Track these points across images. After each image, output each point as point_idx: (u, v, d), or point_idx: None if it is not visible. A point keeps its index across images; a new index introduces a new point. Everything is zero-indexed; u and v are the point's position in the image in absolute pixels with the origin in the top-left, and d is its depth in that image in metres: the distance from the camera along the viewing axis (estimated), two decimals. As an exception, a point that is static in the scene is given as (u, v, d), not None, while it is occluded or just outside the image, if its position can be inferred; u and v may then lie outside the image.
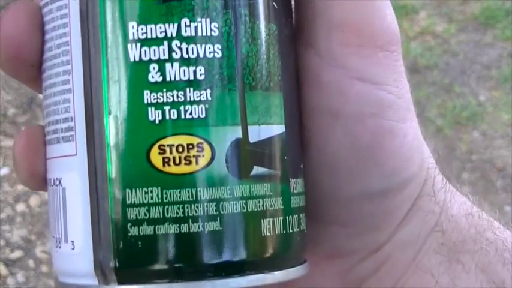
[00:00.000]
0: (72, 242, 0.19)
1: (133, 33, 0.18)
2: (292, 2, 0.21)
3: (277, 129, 0.19)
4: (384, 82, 0.20)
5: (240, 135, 0.19)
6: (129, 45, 0.18)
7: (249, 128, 0.19)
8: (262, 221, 0.19)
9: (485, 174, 1.80)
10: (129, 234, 0.18)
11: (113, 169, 0.18)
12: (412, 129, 0.21)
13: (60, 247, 0.20)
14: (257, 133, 0.19)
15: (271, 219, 0.19)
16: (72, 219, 0.19)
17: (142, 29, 0.18)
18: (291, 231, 0.20)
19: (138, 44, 0.18)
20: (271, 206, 0.19)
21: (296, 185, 0.20)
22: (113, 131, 0.18)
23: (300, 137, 0.21)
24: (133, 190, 0.18)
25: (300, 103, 0.21)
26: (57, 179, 0.20)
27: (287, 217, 0.20)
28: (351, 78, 0.20)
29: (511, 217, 1.70)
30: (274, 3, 0.20)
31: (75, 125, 0.19)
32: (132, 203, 0.18)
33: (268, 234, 0.19)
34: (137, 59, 0.18)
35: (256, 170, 0.19)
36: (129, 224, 0.18)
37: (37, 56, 0.20)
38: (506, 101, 1.98)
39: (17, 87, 1.91)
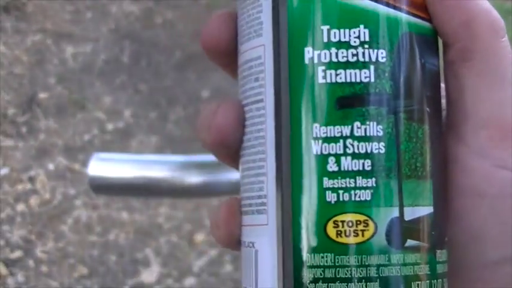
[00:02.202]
0: None
1: (317, 132, 0.23)
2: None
3: (426, 209, 0.24)
4: None
5: (397, 214, 0.23)
6: (312, 142, 0.23)
7: (405, 208, 0.23)
8: (412, 283, 0.23)
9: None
10: None
11: (296, 237, 0.23)
12: None
13: None
14: (411, 213, 0.23)
15: (420, 282, 0.23)
16: (262, 276, 0.24)
17: (323, 130, 0.23)
18: None
19: (320, 141, 0.23)
20: (420, 271, 0.23)
21: (441, 254, 0.24)
22: (298, 209, 0.23)
23: (446, 215, 0.25)
24: (313, 255, 0.23)
25: (449, 187, 0.25)
26: (250, 242, 0.25)
27: (433, 281, 0.24)
28: (496, 166, 0.25)
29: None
30: (427, 109, 0.24)
31: (268, 201, 0.24)
32: (311, 264, 0.23)
33: None
34: (319, 152, 0.23)
35: (409, 242, 0.23)
36: (308, 281, 0.23)
37: (237, 145, 0.26)
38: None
39: (17, 87, 1.91)
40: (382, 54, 0.23)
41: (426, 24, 0.25)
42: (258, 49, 0.25)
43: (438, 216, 0.24)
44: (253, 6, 0.25)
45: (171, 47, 2.07)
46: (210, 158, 0.47)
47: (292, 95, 0.24)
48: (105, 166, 0.46)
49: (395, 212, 0.23)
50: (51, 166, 1.69)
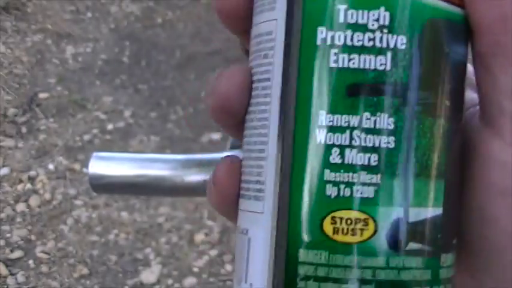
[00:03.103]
0: (251, 284, 0.23)
1: (322, 120, 0.21)
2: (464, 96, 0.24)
3: (435, 211, 0.22)
4: None
5: (401, 215, 0.21)
6: (317, 130, 0.22)
7: (410, 209, 0.22)
8: None
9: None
10: (297, 286, 0.22)
11: (291, 230, 0.22)
12: None
13: (240, 285, 0.24)
14: (417, 214, 0.22)
15: None
16: (253, 265, 0.23)
17: (330, 118, 0.21)
18: None
19: (325, 130, 0.21)
20: (421, 276, 0.22)
21: (446, 259, 0.23)
22: (295, 199, 0.22)
23: (457, 217, 0.24)
24: (306, 250, 0.21)
25: (481, 188, 0.24)
26: (245, 228, 0.24)
27: (434, 287, 0.22)
28: None
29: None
30: (447, 101, 0.22)
31: (265, 188, 0.23)
32: (303, 261, 0.21)
33: None
34: (322, 142, 0.21)
35: (411, 245, 0.22)
36: (298, 278, 0.21)
37: (241, 113, 0.24)
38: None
39: (17, 87, 1.91)
40: (402, 41, 0.21)
41: (457, 10, 0.23)
42: (270, 23, 0.23)
43: (448, 218, 0.23)
44: None
45: (171, 47, 2.07)
46: (210, 156, 0.47)
47: (301, 77, 0.22)
48: (105, 164, 0.46)
49: (399, 213, 0.21)
50: (51, 166, 1.69)
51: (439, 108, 0.22)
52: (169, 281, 1.46)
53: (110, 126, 1.80)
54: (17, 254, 1.50)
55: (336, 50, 0.21)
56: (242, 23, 0.25)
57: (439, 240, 0.22)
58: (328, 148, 0.21)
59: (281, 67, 0.22)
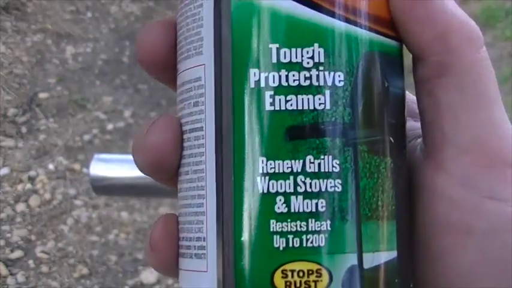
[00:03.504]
0: None
1: (263, 168, 0.20)
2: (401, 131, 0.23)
3: (390, 255, 0.21)
4: None
5: (355, 262, 0.20)
6: (258, 178, 0.20)
7: (364, 255, 0.20)
8: None
9: (485, 174, 1.80)
10: None
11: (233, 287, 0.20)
12: None
13: None
14: (371, 260, 0.20)
15: None
16: None
17: (270, 164, 0.20)
18: None
19: (267, 178, 0.20)
20: None
21: None
22: (240, 254, 0.20)
23: (411, 259, 0.23)
24: None
25: (426, 223, 0.23)
26: None
27: None
28: (482, 197, 0.22)
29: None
30: (391, 138, 0.21)
31: (207, 245, 0.21)
32: None
33: None
34: (265, 191, 0.20)
35: None
36: None
37: (174, 166, 0.23)
38: (506, 101, 1.98)
39: (17, 87, 1.91)
40: (339, 78, 0.20)
41: (391, 42, 0.22)
42: (198, 69, 0.22)
43: (403, 260, 0.22)
44: (194, 19, 0.22)
45: (171, 47, 2.07)
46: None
47: (236, 124, 0.20)
48: (106, 166, 0.47)
49: (353, 260, 0.20)
50: (51, 166, 1.69)
51: (384, 145, 0.21)
52: (169, 281, 1.46)
53: (110, 126, 1.80)
54: (17, 254, 1.50)
55: (271, 92, 0.20)
56: (167, 72, 0.24)
57: (397, 285, 0.21)
58: (272, 197, 0.20)
59: (213, 114, 0.21)
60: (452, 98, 0.22)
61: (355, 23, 0.21)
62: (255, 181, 0.20)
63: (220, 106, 0.21)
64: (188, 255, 0.22)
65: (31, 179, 1.66)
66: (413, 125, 0.25)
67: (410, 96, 0.25)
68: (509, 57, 2.13)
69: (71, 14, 2.14)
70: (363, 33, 0.21)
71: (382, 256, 0.21)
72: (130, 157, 0.50)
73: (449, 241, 0.22)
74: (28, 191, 1.63)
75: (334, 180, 0.20)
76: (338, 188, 0.20)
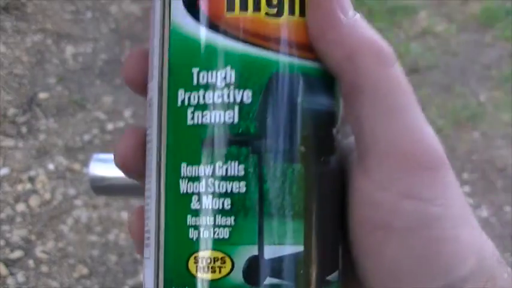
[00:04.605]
0: None
1: (184, 172, 0.24)
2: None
3: (294, 248, 0.24)
4: (430, 197, 0.24)
5: (256, 252, 0.23)
6: (180, 181, 0.24)
7: (265, 247, 0.23)
8: None
9: (485, 174, 1.80)
10: None
11: (165, 271, 0.24)
12: (466, 232, 0.25)
13: None
14: (273, 251, 0.24)
15: None
16: None
17: (189, 169, 0.24)
18: None
19: (186, 180, 0.24)
20: None
21: None
22: (167, 245, 0.24)
23: (330, 253, 0.25)
24: (173, 287, 0.24)
25: (356, 224, 0.25)
26: (143, 274, 0.26)
27: None
28: (400, 197, 0.24)
29: (511, 217, 1.69)
30: (302, 147, 0.24)
31: (150, 236, 0.25)
32: None
33: None
34: (184, 191, 0.24)
35: (270, 280, 0.23)
36: None
37: (141, 171, 0.27)
38: (506, 101, 1.98)
39: (17, 87, 1.91)
40: (247, 95, 0.24)
41: (311, 63, 0.25)
42: (151, 92, 0.26)
43: (313, 255, 0.24)
44: (152, 48, 0.26)
45: (171, 47, 2.07)
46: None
47: (168, 135, 0.25)
48: (106, 166, 0.46)
49: (253, 251, 0.23)
50: (51, 166, 1.69)
51: (291, 154, 0.24)
52: (169, 281, 1.46)
53: (110, 126, 1.80)
54: (17, 254, 1.50)
55: (191, 109, 0.24)
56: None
57: (303, 276, 0.24)
58: (189, 196, 0.24)
59: (155, 126, 0.25)
60: (367, 112, 0.24)
61: (267, 48, 0.24)
62: (178, 183, 0.24)
63: (159, 120, 0.25)
64: (145, 245, 0.26)
65: (31, 179, 1.66)
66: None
67: None
68: (509, 57, 2.13)
69: (71, 14, 2.14)
70: (273, 57, 0.24)
71: (285, 249, 0.24)
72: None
73: (375, 239, 0.25)
74: (28, 191, 1.63)
75: (239, 183, 0.24)
76: (242, 189, 0.24)
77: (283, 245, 0.24)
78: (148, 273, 0.25)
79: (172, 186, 0.24)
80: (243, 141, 0.24)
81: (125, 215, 1.58)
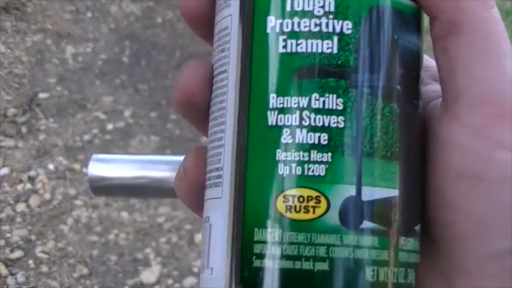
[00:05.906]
0: (212, 268, 0.23)
1: (273, 103, 0.22)
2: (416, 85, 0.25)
3: (390, 192, 0.22)
4: None
5: (354, 193, 0.22)
6: (268, 112, 0.22)
7: (363, 188, 0.22)
8: (367, 267, 0.22)
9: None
10: (253, 265, 0.22)
11: (247, 210, 0.22)
12: None
13: (203, 272, 0.24)
14: (370, 193, 0.22)
15: (375, 267, 0.22)
16: (213, 250, 0.23)
17: (280, 100, 0.22)
18: (394, 281, 0.22)
19: (276, 112, 0.22)
20: (378, 256, 0.22)
21: (406, 242, 0.23)
22: (250, 180, 0.22)
23: (418, 203, 0.24)
24: (260, 229, 0.22)
25: (440, 172, 0.24)
26: (207, 216, 0.24)
27: (392, 268, 0.22)
28: (494, 146, 0.23)
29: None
30: (398, 86, 0.23)
31: (223, 174, 0.23)
32: (258, 239, 0.22)
33: (371, 280, 0.22)
34: (274, 123, 0.22)
35: (366, 224, 0.22)
36: (254, 257, 0.22)
37: (203, 106, 0.25)
38: (506, 101, 1.97)
39: (17, 87, 1.91)
40: (347, 26, 0.22)
41: (408, 1, 0.24)
42: (226, 19, 0.24)
43: (405, 201, 0.23)
44: None
45: (171, 47, 2.07)
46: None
47: (254, 65, 0.23)
48: (105, 166, 0.46)
49: (351, 191, 0.22)
50: (51, 166, 1.69)
51: (389, 91, 0.23)
52: (169, 281, 1.46)
53: (110, 126, 1.80)
54: (17, 254, 1.50)
55: (284, 37, 0.23)
56: (207, 26, 0.26)
57: (396, 222, 0.23)
58: (279, 129, 0.22)
59: (235, 57, 0.24)
60: (464, 54, 0.23)
61: None
62: (266, 115, 0.22)
63: (242, 49, 0.23)
64: (209, 185, 0.24)
65: (31, 179, 1.66)
66: (437, 87, 0.26)
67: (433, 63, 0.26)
68: (509, 57, 2.13)
69: (70, 14, 2.14)
70: None
71: (381, 192, 0.22)
72: (129, 157, 0.50)
73: (462, 189, 0.23)
74: (28, 191, 1.63)
75: (337, 117, 0.22)
76: (340, 124, 0.22)
77: (380, 187, 0.22)
78: (218, 215, 0.23)
79: (258, 118, 0.22)
80: (342, 73, 0.22)
81: (125, 215, 1.58)
